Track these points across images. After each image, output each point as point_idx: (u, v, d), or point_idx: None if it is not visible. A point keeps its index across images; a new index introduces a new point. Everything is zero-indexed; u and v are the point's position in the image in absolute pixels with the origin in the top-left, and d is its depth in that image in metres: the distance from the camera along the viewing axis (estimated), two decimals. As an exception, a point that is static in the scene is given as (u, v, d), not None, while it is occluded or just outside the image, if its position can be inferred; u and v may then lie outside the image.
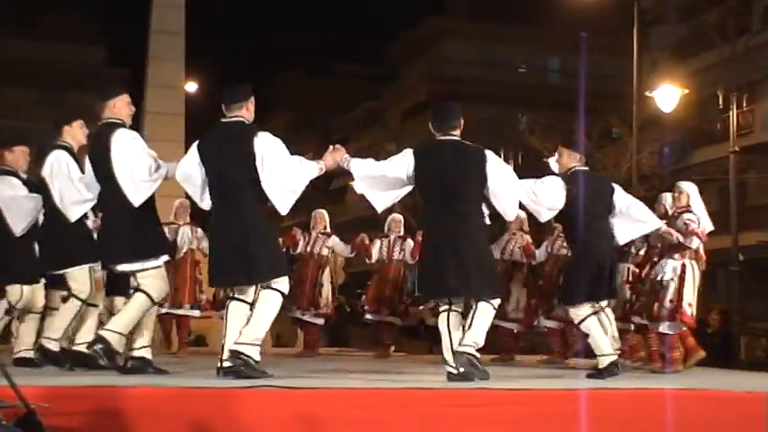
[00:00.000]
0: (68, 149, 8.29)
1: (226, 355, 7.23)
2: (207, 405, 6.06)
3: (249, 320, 7.27)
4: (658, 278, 9.80)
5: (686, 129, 32.72)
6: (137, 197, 7.46)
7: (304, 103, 54.01)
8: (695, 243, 9.72)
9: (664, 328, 9.77)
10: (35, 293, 8.73)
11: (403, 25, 51.75)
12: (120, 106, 7.79)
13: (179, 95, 18.76)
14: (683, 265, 9.77)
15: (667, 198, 10.77)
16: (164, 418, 5.87)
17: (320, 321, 13.10)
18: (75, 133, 8.46)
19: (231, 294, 7.52)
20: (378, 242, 13.29)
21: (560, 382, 7.83)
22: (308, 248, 12.82)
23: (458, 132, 7.89)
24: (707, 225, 10.03)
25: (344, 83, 54.96)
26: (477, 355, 7.57)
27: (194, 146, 7.57)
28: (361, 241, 13.31)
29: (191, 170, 7.56)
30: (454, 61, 47.11)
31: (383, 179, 7.92)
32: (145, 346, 7.62)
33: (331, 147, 7.81)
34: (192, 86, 29.71)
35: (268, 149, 7.33)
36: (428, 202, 7.92)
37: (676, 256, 9.75)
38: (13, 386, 4.69)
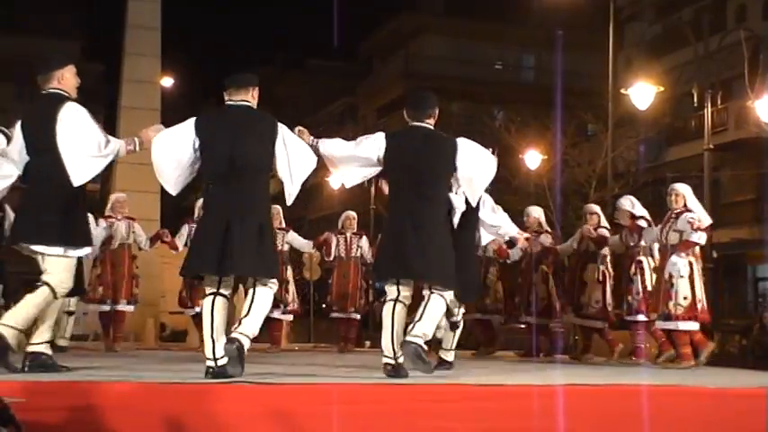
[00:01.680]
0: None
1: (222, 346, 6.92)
2: (181, 401, 6.04)
3: (249, 313, 7.01)
4: (668, 276, 10.04)
5: (661, 126, 32.90)
6: (80, 175, 7.06)
7: (279, 98, 53.83)
8: (703, 238, 10.12)
9: (682, 326, 10.03)
10: None
11: (378, 21, 51.64)
12: (68, 77, 7.42)
13: (155, 90, 18.73)
14: (691, 263, 10.09)
15: (626, 203, 11.34)
16: (138, 414, 5.84)
17: (289, 318, 13.17)
18: None
19: (252, 284, 7.10)
20: (334, 239, 13.39)
21: (539, 378, 7.85)
22: None
23: (431, 121, 7.83)
24: (706, 221, 10.29)
25: (320, 79, 54.83)
26: (425, 346, 7.50)
27: (190, 125, 7.20)
28: (326, 240, 13.40)
29: (180, 150, 7.17)
30: (429, 58, 47.10)
31: (353, 159, 7.79)
32: (46, 342, 7.22)
33: (297, 129, 7.60)
34: (167, 81, 29.65)
35: (289, 137, 7.25)
36: (395, 187, 7.81)
37: (683, 254, 10.03)
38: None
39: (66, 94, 7.35)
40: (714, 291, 21.11)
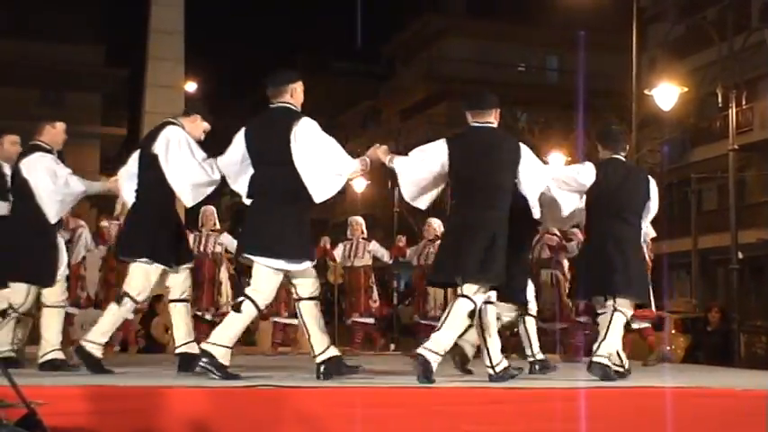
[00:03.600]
0: (183, 128, 7.94)
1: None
2: (209, 404, 6.07)
3: (441, 328, 7.29)
4: None
5: (685, 127, 32.74)
6: (322, 193, 7.26)
7: (303, 101, 53.95)
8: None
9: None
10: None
11: (400, 23, 51.64)
12: (299, 92, 7.58)
13: (178, 95, 18.78)
14: None
15: None
16: (166, 418, 5.88)
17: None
18: (194, 127, 8.07)
19: (461, 293, 7.39)
20: (341, 246, 13.58)
21: (560, 381, 7.84)
22: (201, 248, 12.88)
23: (624, 154, 8.58)
24: (650, 232, 10.94)
25: (343, 81, 54.90)
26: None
27: (442, 146, 7.54)
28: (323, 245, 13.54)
29: (428, 169, 7.56)
30: (452, 60, 47.02)
31: (571, 183, 8.19)
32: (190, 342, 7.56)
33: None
34: (191, 86, 29.72)
35: (530, 158, 7.66)
36: (597, 210, 8.29)
37: None
38: (14, 386, 4.70)
39: (297, 109, 7.46)
40: (740, 292, 21.01)
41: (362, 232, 13.84)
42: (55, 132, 8.46)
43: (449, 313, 7.32)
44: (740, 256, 21.43)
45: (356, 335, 13.99)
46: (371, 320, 13.88)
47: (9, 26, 40.96)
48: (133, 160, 8.10)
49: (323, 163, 7.20)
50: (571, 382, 7.72)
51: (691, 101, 27.72)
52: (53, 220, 8.22)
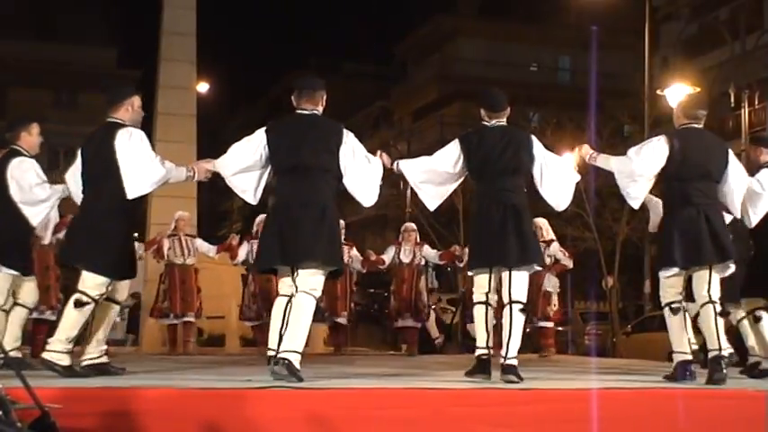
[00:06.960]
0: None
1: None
2: (219, 406, 6.08)
3: None
4: (547, 289, 13.08)
5: (698, 126, 32.65)
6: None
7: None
8: (571, 263, 13.34)
9: (551, 325, 13.28)
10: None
11: (413, 24, 51.67)
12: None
13: (191, 96, 18.72)
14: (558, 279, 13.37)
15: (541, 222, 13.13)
16: (176, 419, 5.89)
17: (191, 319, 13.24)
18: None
19: None
20: (166, 242, 13.26)
21: (572, 382, 7.83)
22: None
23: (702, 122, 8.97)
24: None
25: (355, 83, 54.90)
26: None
27: (456, 143, 8.12)
28: (158, 241, 13.37)
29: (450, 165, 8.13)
30: (464, 60, 47.05)
31: (634, 169, 8.59)
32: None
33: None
34: (203, 87, 29.76)
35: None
36: (680, 182, 8.49)
37: (554, 272, 13.17)
38: (27, 388, 4.71)
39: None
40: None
41: (186, 227, 13.55)
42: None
43: None
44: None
45: (187, 334, 13.69)
46: (193, 319, 13.50)
47: (22, 28, 41.12)
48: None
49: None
50: (582, 383, 7.72)
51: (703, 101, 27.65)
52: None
